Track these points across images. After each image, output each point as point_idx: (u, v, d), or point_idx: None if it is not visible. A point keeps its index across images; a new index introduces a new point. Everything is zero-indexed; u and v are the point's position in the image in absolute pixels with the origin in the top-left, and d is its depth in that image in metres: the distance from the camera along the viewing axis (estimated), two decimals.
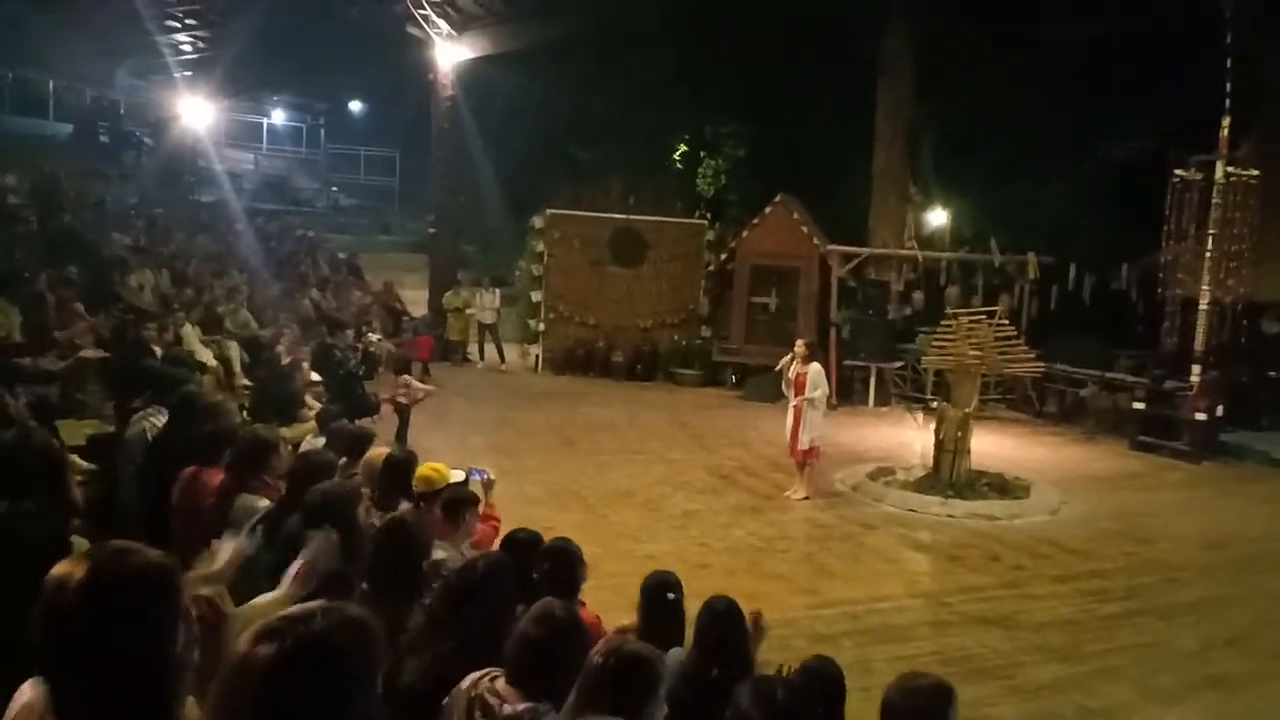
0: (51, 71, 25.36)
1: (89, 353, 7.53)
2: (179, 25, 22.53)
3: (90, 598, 1.58)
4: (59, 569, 1.64)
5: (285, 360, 9.79)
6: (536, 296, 17.83)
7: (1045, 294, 15.82)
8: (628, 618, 3.98)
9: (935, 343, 10.79)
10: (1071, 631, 6.66)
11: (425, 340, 16.59)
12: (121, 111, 26.58)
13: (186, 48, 23.94)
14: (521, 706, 2.51)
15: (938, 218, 19.45)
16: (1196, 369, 12.52)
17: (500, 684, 2.59)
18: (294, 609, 1.54)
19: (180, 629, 1.65)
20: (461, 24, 18.61)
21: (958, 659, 6.09)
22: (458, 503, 4.39)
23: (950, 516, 9.27)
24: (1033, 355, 10.81)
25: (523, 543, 3.98)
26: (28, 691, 1.68)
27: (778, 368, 10.03)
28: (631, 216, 17.54)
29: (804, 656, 3.59)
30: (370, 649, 1.53)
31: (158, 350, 8.06)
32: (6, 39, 21.56)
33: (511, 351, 18.20)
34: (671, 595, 3.76)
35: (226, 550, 3.15)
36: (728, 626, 3.54)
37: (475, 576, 3.09)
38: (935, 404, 11.09)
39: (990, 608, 7.04)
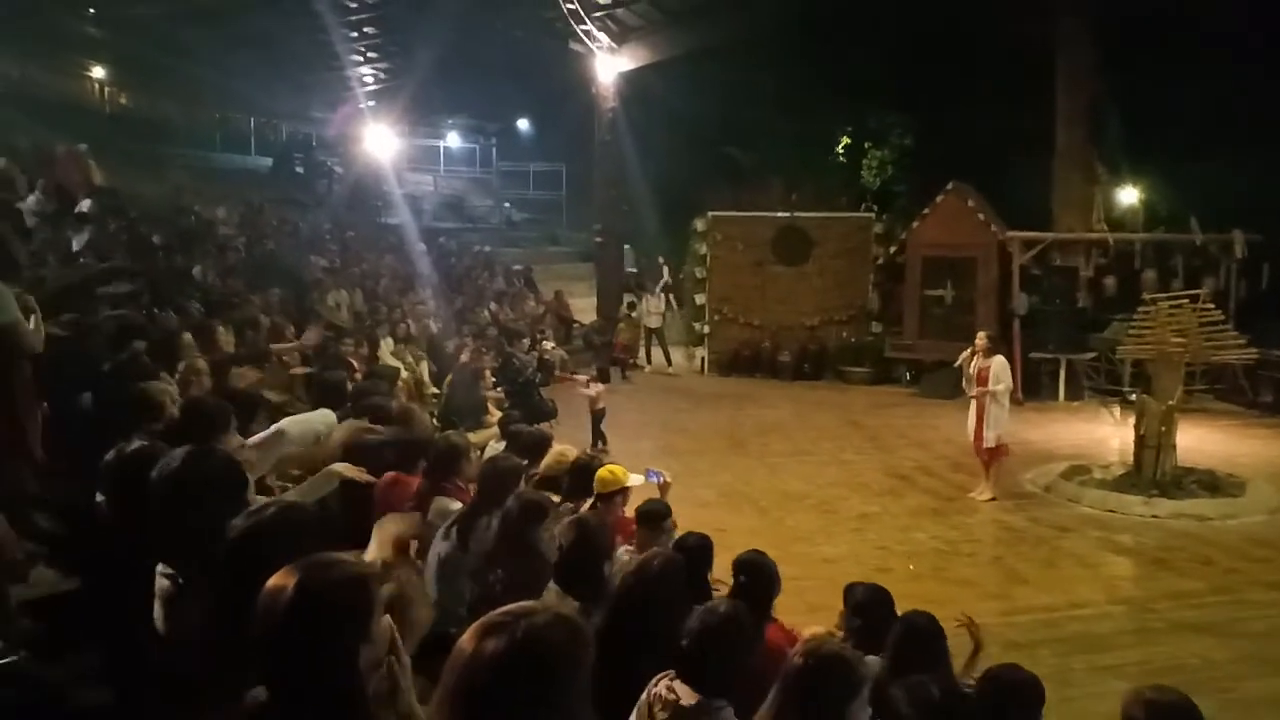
0: (252, 110, 27.80)
1: (296, 370, 8.14)
2: (362, 59, 24.16)
3: (295, 607, 1.70)
4: (273, 580, 1.76)
5: (468, 370, 10.29)
6: (701, 299, 17.94)
7: (1254, 274, 14.52)
8: (804, 620, 3.94)
9: (1133, 331, 10.12)
10: None
11: (620, 340, 17.26)
12: (314, 143, 28.69)
13: (369, 80, 25.62)
14: (696, 700, 2.57)
15: (1128, 197, 18.21)
16: None
17: (677, 682, 2.67)
18: (514, 606, 1.61)
19: (372, 634, 1.76)
20: (621, 36, 18.99)
21: (1167, 670, 5.65)
22: (655, 515, 4.43)
23: (1154, 517, 8.66)
24: (1243, 341, 9.94)
25: (693, 548, 3.99)
26: (262, 694, 1.79)
27: (957, 363, 9.67)
28: (795, 214, 17.37)
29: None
30: (586, 647, 1.61)
31: (356, 365, 8.64)
32: (215, 84, 23.80)
33: (678, 354, 18.38)
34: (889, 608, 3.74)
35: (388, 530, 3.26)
36: (926, 642, 3.49)
37: (649, 575, 3.16)
38: (1134, 397, 10.38)
39: (1202, 615, 6.53)
